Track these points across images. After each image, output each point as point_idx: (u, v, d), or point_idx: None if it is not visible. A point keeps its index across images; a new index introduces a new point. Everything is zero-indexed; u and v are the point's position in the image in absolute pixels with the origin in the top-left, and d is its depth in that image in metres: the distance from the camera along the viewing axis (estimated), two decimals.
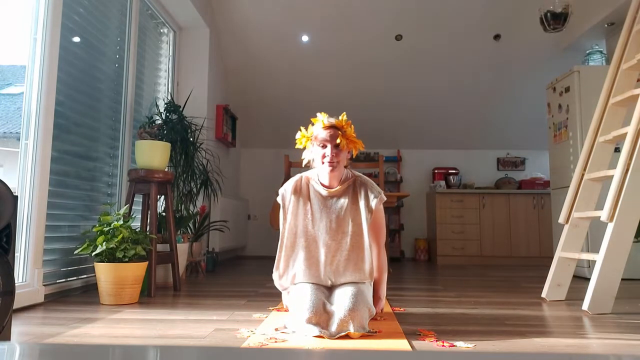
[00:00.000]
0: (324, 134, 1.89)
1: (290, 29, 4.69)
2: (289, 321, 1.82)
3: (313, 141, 1.93)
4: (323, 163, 1.89)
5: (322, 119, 1.93)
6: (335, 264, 1.91)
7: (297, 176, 2.02)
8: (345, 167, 2.00)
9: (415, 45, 4.81)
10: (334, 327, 1.69)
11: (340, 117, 1.94)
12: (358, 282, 1.91)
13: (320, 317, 1.72)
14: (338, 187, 1.94)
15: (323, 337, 1.68)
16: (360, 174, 2.04)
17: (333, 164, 1.88)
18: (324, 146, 1.89)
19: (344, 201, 1.93)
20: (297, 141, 1.98)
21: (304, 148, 1.99)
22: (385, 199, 1.96)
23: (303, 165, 2.03)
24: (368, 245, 1.92)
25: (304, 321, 1.72)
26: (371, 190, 1.95)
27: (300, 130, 1.98)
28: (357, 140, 1.95)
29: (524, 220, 5.32)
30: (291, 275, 1.95)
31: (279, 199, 1.98)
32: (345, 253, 1.90)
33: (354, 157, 2.00)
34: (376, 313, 1.98)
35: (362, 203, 1.93)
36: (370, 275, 1.93)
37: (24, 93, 2.44)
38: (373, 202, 1.93)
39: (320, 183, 1.96)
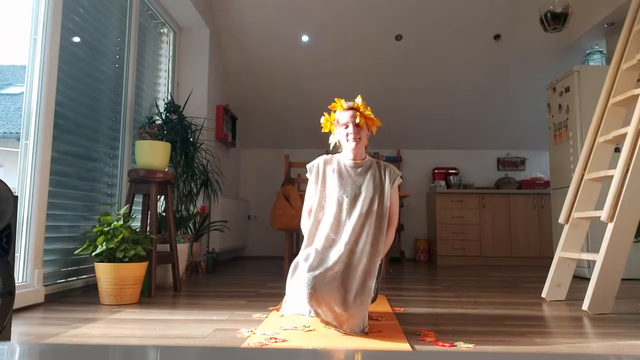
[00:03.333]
0: (344, 115, 2.10)
1: (290, 29, 4.69)
2: (288, 301, 1.83)
3: (336, 125, 2.15)
4: (347, 141, 2.09)
5: (340, 104, 2.16)
6: (354, 226, 1.95)
7: (323, 155, 2.20)
8: (366, 150, 2.19)
9: (415, 45, 4.81)
10: (329, 317, 1.72)
11: (356, 100, 2.15)
12: (369, 263, 1.92)
13: (319, 297, 1.71)
14: (361, 161, 2.12)
15: (318, 317, 1.74)
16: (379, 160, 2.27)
17: (356, 139, 2.08)
18: (346, 126, 2.10)
19: (367, 172, 2.09)
20: (322, 125, 2.19)
21: (329, 132, 2.21)
22: (401, 181, 2.15)
23: (331, 148, 2.24)
24: (385, 215, 2.01)
25: (303, 298, 1.71)
26: (393, 168, 2.15)
27: (324, 115, 2.19)
28: (375, 118, 2.15)
29: (524, 221, 5.31)
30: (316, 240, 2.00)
31: (308, 174, 2.15)
32: (365, 218, 1.97)
33: (373, 133, 2.19)
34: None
35: (385, 177, 2.10)
36: (381, 242, 1.99)
37: (24, 93, 2.44)
38: (395, 176, 2.11)
39: (346, 158, 2.15)
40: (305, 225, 2.08)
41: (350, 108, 2.13)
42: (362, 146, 2.13)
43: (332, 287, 1.75)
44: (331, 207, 2.00)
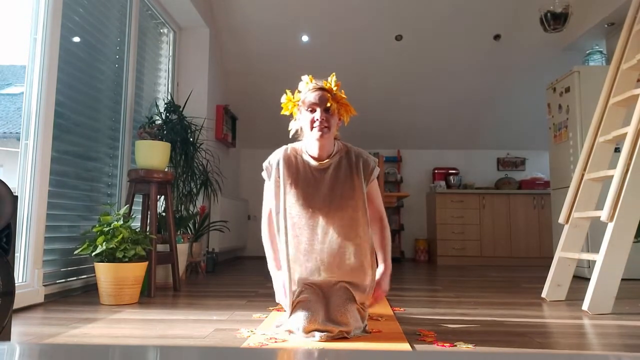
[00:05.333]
0: (312, 97, 1.71)
1: (290, 28, 4.69)
2: (285, 322, 1.76)
3: (300, 107, 1.74)
4: (312, 129, 1.69)
5: (308, 81, 1.76)
6: (329, 243, 1.71)
7: (282, 147, 1.80)
8: (336, 138, 1.81)
9: (415, 45, 4.81)
10: (330, 333, 1.64)
11: (329, 79, 1.76)
12: (355, 274, 1.72)
13: (315, 321, 1.64)
14: (329, 160, 1.75)
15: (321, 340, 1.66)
16: (352, 145, 1.84)
17: (323, 130, 1.68)
18: (313, 110, 1.70)
19: (337, 173, 1.74)
20: (282, 106, 1.78)
21: (291, 115, 1.80)
22: (379, 169, 1.81)
23: (290, 137, 1.82)
24: (367, 220, 1.73)
25: (300, 330, 1.67)
26: (367, 159, 1.79)
27: (286, 94, 1.78)
28: (349, 104, 1.77)
29: (524, 221, 5.31)
30: (285, 265, 1.75)
31: (264, 174, 1.80)
32: (340, 230, 1.71)
33: (345, 124, 1.79)
34: (370, 304, 1.78)
35: (358, 174, 1.75)
36: (369, 253, 1.74)
37: (24, 93, 2.44)
38: (371, 169, 1.77)
39: (309, 155, 1.76)
40: (266, 234, 1.80)
41: (320, 88, 1.72)
42: (331, 137, 1.72)
43: (326, 304, 1.66)
44: (299, 226, 1.70)
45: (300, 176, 1.73)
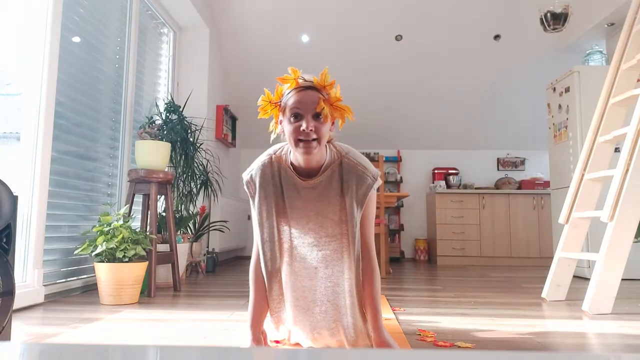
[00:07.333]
0: (297, 99, 1.32)
1: (290, 29, 4.69)
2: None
3: (282, 110, 1.37)
4: (299, 142, 1.31)
5: (291, 76, 1.35)
6: (313, 278, 1.42)
7: (265, 157, 1.46)
8: (329, 142, 1.45)
9: (415, 45, 4.81)
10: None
11: (320, 75, 1.36)
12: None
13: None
14: (318, 178, 1.39)
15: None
16: (349, 150, 1.47)
17: (310, 146, 1.30)
18: (298, 117, 1.32)
19: (328, 188, 1.40)
20: (259, 110, 1.40)
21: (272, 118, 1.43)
22: (380, 182, 1.44)
23: (271, 141, 1.45)
24: (358, 253, 1.39)
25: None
26: (363, 176, 1.40)
27: (263, 96, 1.40)
28: (345, 106, 1.38)
29: (524, 221, 5.31)
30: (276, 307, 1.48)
31: (246, 189, 1.47)
32: (329, 261, 1.40)
33: (340, 128, 1.42)
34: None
35: (350, 195, 1.39)
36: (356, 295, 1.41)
37: (24, 93, 2.44)
38: (367, 188, 1.40)
39: (295, 167, 1.42)
40: (252, 278, 1.47)
41: (309, 87, 1.34)
42: (321, 150, 1.35)
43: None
44: (282, 255, 1.42)
45: (283, 195, 1.42)
